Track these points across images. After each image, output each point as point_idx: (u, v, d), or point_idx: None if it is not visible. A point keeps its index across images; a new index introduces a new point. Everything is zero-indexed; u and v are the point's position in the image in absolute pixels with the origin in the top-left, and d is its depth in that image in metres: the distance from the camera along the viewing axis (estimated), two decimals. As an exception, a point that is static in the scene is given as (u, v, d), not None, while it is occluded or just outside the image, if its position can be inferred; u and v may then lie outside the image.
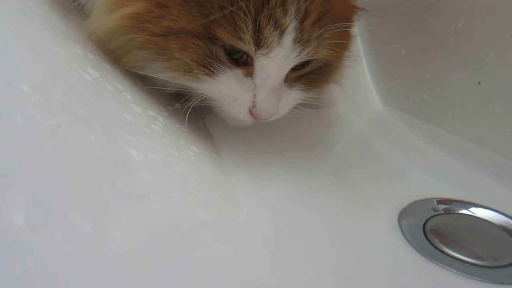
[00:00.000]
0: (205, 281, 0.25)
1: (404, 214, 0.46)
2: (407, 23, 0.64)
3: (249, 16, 0.38)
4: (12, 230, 0.15)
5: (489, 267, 0.39)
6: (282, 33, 0.39)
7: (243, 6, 0.37)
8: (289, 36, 0.40)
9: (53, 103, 0.26)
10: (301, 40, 0.41)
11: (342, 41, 0.46)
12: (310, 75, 0.48)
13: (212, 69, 0.41)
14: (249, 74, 0.42)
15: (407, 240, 0.43)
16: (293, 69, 0.44)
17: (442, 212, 0.48)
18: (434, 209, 0.48)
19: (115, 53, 0.43)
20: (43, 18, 0.39)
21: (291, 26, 0.39)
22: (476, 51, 0.57)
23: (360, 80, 0.76)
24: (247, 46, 0.40)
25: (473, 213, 0.47)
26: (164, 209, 0.27)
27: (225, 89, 0.43)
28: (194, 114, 0.45)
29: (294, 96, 0.48)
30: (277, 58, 0.41)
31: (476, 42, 0.57)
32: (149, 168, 0.30)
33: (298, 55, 0.42)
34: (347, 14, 0.47)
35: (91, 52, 0.41)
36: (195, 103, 0.45)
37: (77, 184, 0.21)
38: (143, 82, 0.45)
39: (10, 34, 0.29)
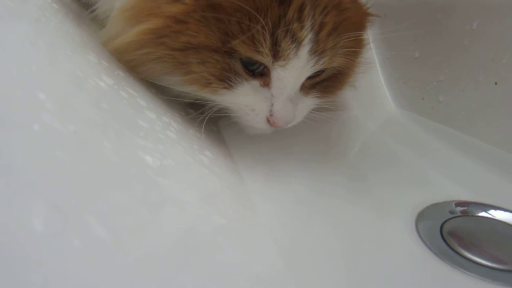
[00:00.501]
0: (222, 287, 0.25)
1: (421, 217, 0.46)
2: (420, 25, 0.64)
3: (267, 30, 0.38)
4: (32, 237, 0.16)
5: (510, 271, 0.38)
6: (299, 45, 0.40)
7: (261, 21, 0.38)
8: (305, 48, 0.41)
9: (69, 110, 0.26)
10: (316, 51, 0.41)
11: (356, 49, 0.46)
12: (325, 82, 0.49)
13: (230, 82, 0.42)
14: (266, 84, 0.43)
15: (425, 243, 0.42)
16: (308, 77, 0.45)
17: (460, 214, 0.47)
18: (452, 212, 0.47)
19: (130, 64, 0.44)
20: (58, 27, 0.40)
21: (307, 38, 0.40)
22: (492, 51, 0.56)
23: (374, 82, 0.75)
24: (265, 58, 0.40)
25: (492, 215, 0.46)
26: (180, 216, 0.27)
27: (243, 100, 0.44)
28: (208, 119, 0.45)
29: (310, 103, 0.49)
30: (294, 69, 0.42)
31: (493, 42, 0.56)
32: (164, 174, 0.30)
33: (314, 65, 0.42)
34: (360, 23, 0.48)
35: (105, 59, 0.41)
36: (211, 112, 0.45)
37: (94, 191, 0.21)
38: (157, 90, 0.46)
39: (28, 43, 0.30)
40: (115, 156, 0.25)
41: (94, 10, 0.47)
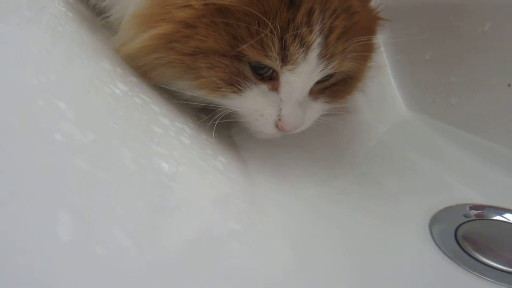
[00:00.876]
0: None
1: (435, 221, 0.45)
2: (431, 27, 0.64)
3: (275, 35, 0.38)
4: (57, 245, 0.16)
5: (526, 275, 0.38)
6: (307, 50, 0.40)
7: (270, 25, 0.38)
8: (314, 52, 0.40)
9: (87, 119, 0.27)
10: (326, 55, 0.41)
11: (366, 53, 0.46)
12: (334, 86, 0.49)
13: (239, 87, 0.42)
14: (275, 88, 0.43)
15: (439, 247, 0.42)
16: (317, 82, 0.45)
17: (474, 218, 0.46)
18: (466, 215, 0.47)
19: (142, 69, 0.44)
20: (74, 35, 0.40)
21: (316, 42, 0.40)
22: (505, 53, 0.56)
23: (385, 85, 0.75)
24: (274, 62, 0.40)
25: (507, 219, 0.46)
26: (196, 221, 0.28)
27: (252, 104, 0.44)
28: (219, 124, 0.46)
29: (319, 108, 0.48)
30: (303, 73, 0.41)
31: (505, 44, 0.56)
32: (180, 180, 0.30)
33: (323, 70, 0.42)
34: (370, 27, 0.48)
35: (119, 66, 0.42)
36: (221, 116, 0.45)
37: (114, 199, 0.21)
38: (170, 95, 0.46)
39: (45, 52, 0.30)
40: (133, 164, 0.26)
41: (106, 17, 0.48)
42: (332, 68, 0.43)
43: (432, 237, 0.43)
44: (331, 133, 0.56)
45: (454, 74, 0.64)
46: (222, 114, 0.46)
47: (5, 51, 0.25)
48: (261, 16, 0.38)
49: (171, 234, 0.24)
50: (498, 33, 0.57)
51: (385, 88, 0.75)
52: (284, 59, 0.40)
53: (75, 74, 0.32)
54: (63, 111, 0.25)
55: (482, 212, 0.47)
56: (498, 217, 0.46)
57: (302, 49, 0.40)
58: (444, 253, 0.41)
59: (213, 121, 0.45)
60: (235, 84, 0.42)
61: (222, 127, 0.55)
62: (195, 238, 0.26)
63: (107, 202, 0.20)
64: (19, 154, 0.19)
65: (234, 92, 0.42)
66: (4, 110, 0.20)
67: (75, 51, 0.37)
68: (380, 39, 0.58)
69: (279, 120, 0.44)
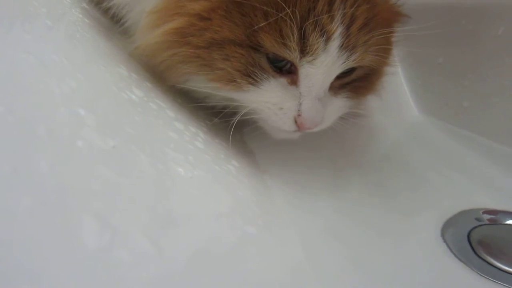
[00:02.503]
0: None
1: (447, 225, 0.45)
2: (444, 30, 0.63)
3: (294, 23, 0.37)
4: (83, 251, 0.17)
5: (539, 280, 0.38)
6: (328, 40, 0.39)
7: (289, 12, 0.37)
8: (335, 43, 0.39)
9: (107, 125, 0.27)
10: (347, 46, 0.40)
11: (387, 47, 0.45)
12: (355, 82, 0.47)
13: (256, 78, 0.41)
14: (294, 82, 0.42)
15: (452, 251, 0.42)
16: (338, 77, 0.43)
17: (487, 222, 0.46)
18: (479, 220, 0.46)
19: (159, 68, 0.44)
20: (91, 42, 0.41)
21: (337, 32, 0.39)
22: (518, 57, 0.56)
23: (396, 88, 0.75)
24: (292, 53, 0.39)
25: (521, 224, 0.46)
26: (212, 225, 0.28)
27: (270, 97, 0.42)
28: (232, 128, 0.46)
29: (339, 104, 0.47)
30: (323, 65, 0.40)
31: (519, 47, 0.56)
32: (196, 185, 0.31)
33: (344, 62, 0.41)
34: (391, 20, 0.46)
35: (134, 72, 0.43)
36: (238, 118, 0.44)
37: (135, 204, 0.22)
38: (184, 99, 0.47)
39: (65, 60, 0.31)
40: (151, 169, 0.26)
41: (123, 24, 0.48)
42: (354, 60, 0.41)
43: (445, 242, 0.43)
44: (342, 135, 0.56)
45: (466, 78, 0.64)
46: (238, 116, 0.44)
47: (29, 61, 0.26)
48: (280, 3, 0.37)
49: (189, 239, 0.25)
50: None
51: (397, 91, 0.75)
52: (303, 50, 0.39)
53: (93, 81, 0.33)
54: (83, 118, 0.25)
55: (495, 217, 0.47)
56: (511, 222, 0.46)
57: (323, 39, 0.38)
58: (457, 257, 0.41)
59: (231, 125, 0.44)
60: (251, 75, 0.41)
61: (235, 131, 0.55)
62: (211, 243, 0.26)
63: (128, 208, 0.21)
64: (44, 162, 0.19)
65: (250, 83, 0.41)
66: (29, 119, 0.21)
67: (93, 57, 0.38)
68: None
69: (299, 115, 0.42)
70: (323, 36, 0.38)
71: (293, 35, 0.38)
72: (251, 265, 0.28)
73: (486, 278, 0.38)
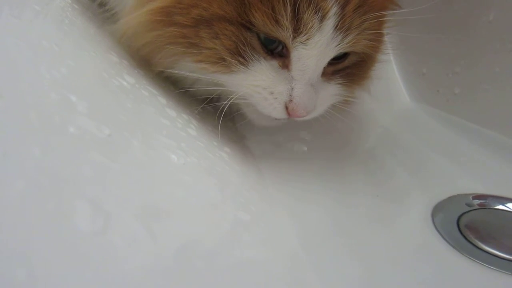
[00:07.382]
0: (249, 281, 0.26)
1: (437, 210, 0.46)
2: (435, 15, 0.63)
3: (288, 0, 0.36)
4: (77, 236, 0.17)
5: (528, 263, 0.39)
6: (322, 18, 0.37)
7: None
8: (330, 22, 0.37)
9: (98, 111, 0.27)
10: (342, 27, 0.38)
11: (380, 32, 0.44)
12: (348, 69, 0.46)
13: (246, 58, 0.39)
14: (285, 66, 0.40)
15: (442, 235, 0.42)
16: (330, 63, 0.42)
17: (477, 207, 0.47)
18: (469, 205, 0.47)
19: (144, 50, 0.42)
20: (80, 28, 0.41)
21: (332, 11, 0.37)
22: (510, 43, 0.56)
23: (388, 75, 0.75)
24: (285, 33, 0.37)
25: (510, 208, 0.46)
26: (205, 211, 0.28)
27: (260, 80, 0.40)
28: (223, 115, 0.45)
29: (332, 91, 0.45)
30: (316, 47, 0.38)
31: (510, 34, 0.56)
32: (189, 171, 0.31)
33: (338, 44, 0.39)
34: (384, 5, 0.45)
35: (125, 58, 0.42)
36: (227, 105, 0.43)
37: (128, 190, 0.22)
38: (174, 86, 0.46)
39: (56, 46, 0.31)
40: (144, 155, 0.26)
41: (111, 10, 0.47)
42: (348, 43, 0.40)
43: (435, 226, 0.43)
44: (333, 122, 0.56)
45: (458, 64, 0.64)
46: (227, 102, 0.43)
47: (20, 46, 0.26)
48: None
49: (182, 225, 0.25)
50: (503, 22, 0.57)
51: (388, 78, 0.75)
52: (297, 29, 0.37)
53: (84, 67, 0.32)
54: (74, 104, 0.25)
55: (484, 201, 0.47)
56: (500, 207, 0.47)
57: (317, 17, 0.36)
58: (447, 242, 0.41)
59: (220, 111, 0.43)
60: (241, 54, 0.39)
61: (227, 118, 0.55)
62: (204, 229, 0.27)
63: (122, 194, 0.21)
64: (36, 147, 0.19)
65: (240, 63, 0.39)
66: (21, 105, 0.21)
67: (83, 43, 0.37)
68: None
69: (290, 101, 0.40)
70: (317, 14, 0.37)
71: (286, 12, 0.36)
72: (245, 252, 0.29)
73: (476, 261, 0.39)
